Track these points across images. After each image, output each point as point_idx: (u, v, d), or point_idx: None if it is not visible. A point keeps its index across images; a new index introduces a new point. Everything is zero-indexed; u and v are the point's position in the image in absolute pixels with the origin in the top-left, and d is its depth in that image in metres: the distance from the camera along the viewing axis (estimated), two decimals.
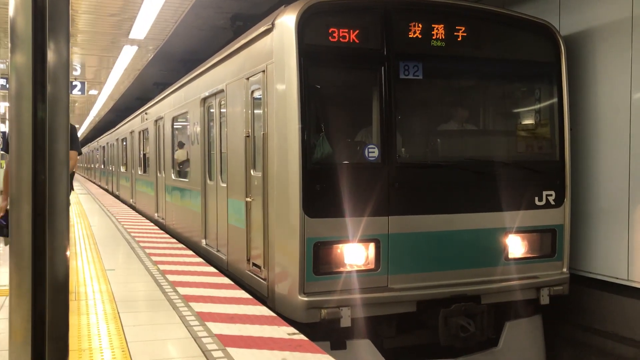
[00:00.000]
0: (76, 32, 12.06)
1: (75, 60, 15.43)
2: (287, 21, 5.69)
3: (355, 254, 5.76)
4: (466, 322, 5.85)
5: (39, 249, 2.10)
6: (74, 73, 17.10)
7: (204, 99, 9.00)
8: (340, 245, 5.69)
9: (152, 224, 13.44)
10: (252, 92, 6.72)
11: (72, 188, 21.24)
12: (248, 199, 6.75)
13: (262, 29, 6.25)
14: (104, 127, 37.03)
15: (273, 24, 5.96)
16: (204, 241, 9.13)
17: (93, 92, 21.20)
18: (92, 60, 15.45)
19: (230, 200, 7.63)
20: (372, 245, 5.78)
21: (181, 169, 11.73)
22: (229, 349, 4.55)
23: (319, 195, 5.60)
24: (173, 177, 11.68)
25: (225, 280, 7.11)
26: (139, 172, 16.48)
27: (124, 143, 20.47)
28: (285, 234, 5.77)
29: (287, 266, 5.76)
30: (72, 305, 5.74)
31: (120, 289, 6.65)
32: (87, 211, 16.40)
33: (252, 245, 6.76)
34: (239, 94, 7.16)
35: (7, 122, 25.90)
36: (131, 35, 12.01)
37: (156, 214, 13.61)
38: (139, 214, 15.69)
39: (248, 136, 6.82)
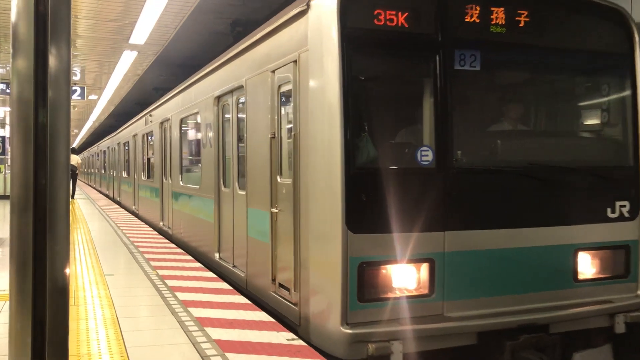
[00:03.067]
0: (76, 38, 12.09)
1: (75, 66, 15.45)
2: (326, 1, 4.91)
3: (406, 277, 4.92)
4: (538, 358, 4.98)
5: (40, 254, 2.10)
6: (74, 78, 17.12)
7: (218, 98, 8.20)
8: (389, 267, 4.82)
9: (151, 229, 13.41)
10: (279, 86, 5.89)
11: (72, 194, 21.05)
12: (274, 210, 5.91)
13: (294, 11, 5.45)
14: (104, 132, 37.07)
15: (308, 5, 5.17)
16: (217, 255, 8.32)
17: (93, 97, 21.23)
18: (92, 65, 15.49)
19: (251, 210, 6.78)
20: (425, 266, 4.91)
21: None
22: (228, 354, 4.54)
23: (365, 207, 4.76)
24: (181, 183, 10.83)
25: (225, 285, 7.09)
26: (143, 178, 15.73)
27: (126, 147, 19.83)
28: (324, 252, 4.92)
29: (325, 291, 4.89)
30: (71, 310, 5.72)
31: (119, 294, 6.64)
32: (86, 216, 16.38)
33: (278, 263, 5.89)
34: (262, 89, 6.36)
35: (6, 126, 25.90)
36: (131, 41, 12.05)
37: (161, 223, 12.78)
38: (140, 220, 15.37)
39: (274, 137, 6.00)
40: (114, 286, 7.02)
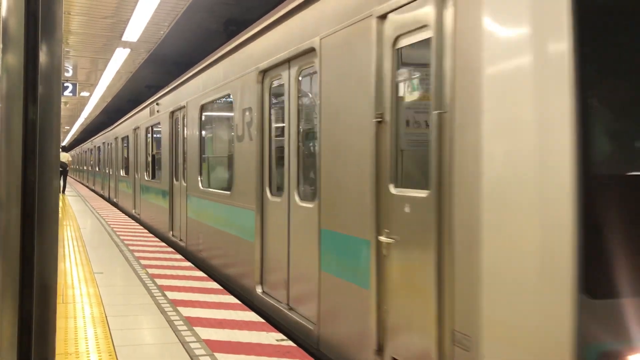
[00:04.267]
0: (69, 34, 12.05)
1: (68, 62, 15.42)
2: None
3: None
4: None
5: (27, 250, 2.08)
6: (66, 74, 17.08)
7: (265, 71, 6.19)
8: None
9: (144, 228, 13.33)
10: (396, 39, 3.87)
11: (63, 190, 21.29)
12: (383, 238, 3.89)
13: None
14: (96, 129, 36.97)
15: None
16: (259, 288, 6.28)
17: (85, 93, 21.16)
18: (84, 62, 15.46)
19: (328, 233, 4.75)
20: None
21: None
22: (217, 355, 4.53)
23: (611, 249, 2.69)
24: (201, 187, 8.74)
25: (215, 285, 7.08)
26: (146, 178, 13.70)
27: (125, 143, 17.56)
28: (521, 328, 2.80)
29: None
30: (60, 308, 5.70)
31: (109, 292, 6.62)
32: (76, 213, 16.31)
33: (391, 325, 3.89)
34: (356, 48, 4.32)
35: None
36: (124, 38, 12.04)
37: (171, 233, 10.73)
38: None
39: (381, 121, 4.00)
40: (103, 284, 6.99)
